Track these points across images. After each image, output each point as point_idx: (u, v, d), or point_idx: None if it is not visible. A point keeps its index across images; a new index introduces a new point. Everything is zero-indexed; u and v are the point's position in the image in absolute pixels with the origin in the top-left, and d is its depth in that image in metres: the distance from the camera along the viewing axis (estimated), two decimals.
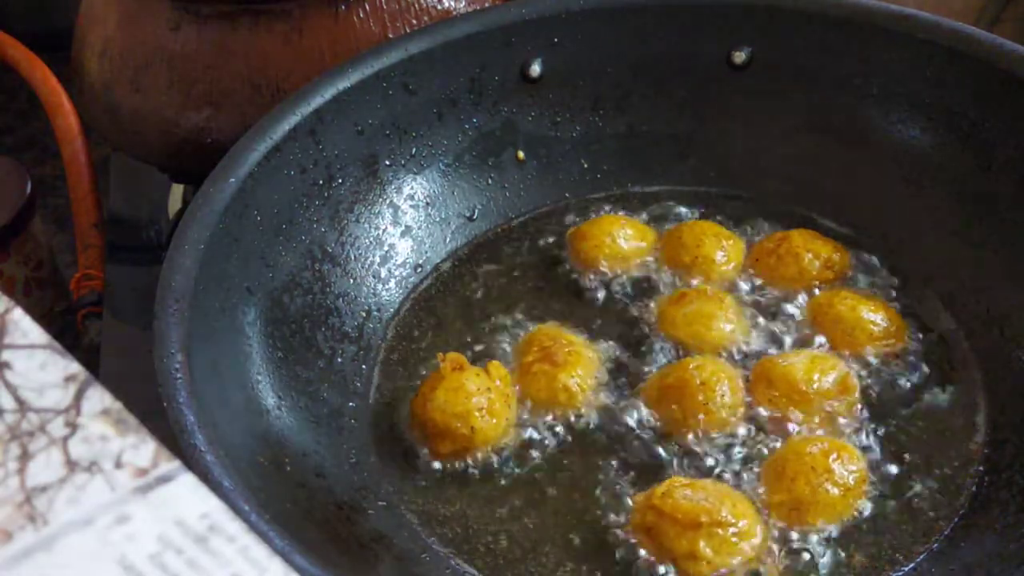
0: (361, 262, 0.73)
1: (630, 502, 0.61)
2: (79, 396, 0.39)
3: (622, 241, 0.74)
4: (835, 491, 0.59)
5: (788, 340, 0.68)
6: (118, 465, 0.37)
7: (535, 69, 0.78)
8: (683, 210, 0.78)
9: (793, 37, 0.76)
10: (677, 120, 0.80)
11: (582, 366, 0.66)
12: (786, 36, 0.76)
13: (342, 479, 0.63)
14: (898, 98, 0.74)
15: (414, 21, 0.77)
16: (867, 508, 0.60)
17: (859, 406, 0.65)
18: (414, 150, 0.76)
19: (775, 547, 0.58)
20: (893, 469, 0.62)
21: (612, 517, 0.61)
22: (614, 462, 0.63)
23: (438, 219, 0.77)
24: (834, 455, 0.60)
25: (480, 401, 0.63)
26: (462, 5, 0.79)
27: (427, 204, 0.77)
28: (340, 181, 0.73)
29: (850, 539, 0.59)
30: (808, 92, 0.77)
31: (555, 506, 0.62)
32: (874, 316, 0.68)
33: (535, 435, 0.65)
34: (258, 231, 0.67)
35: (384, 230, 0.75)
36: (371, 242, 0.74)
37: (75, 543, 0.34)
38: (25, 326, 0.41)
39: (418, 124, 0.76)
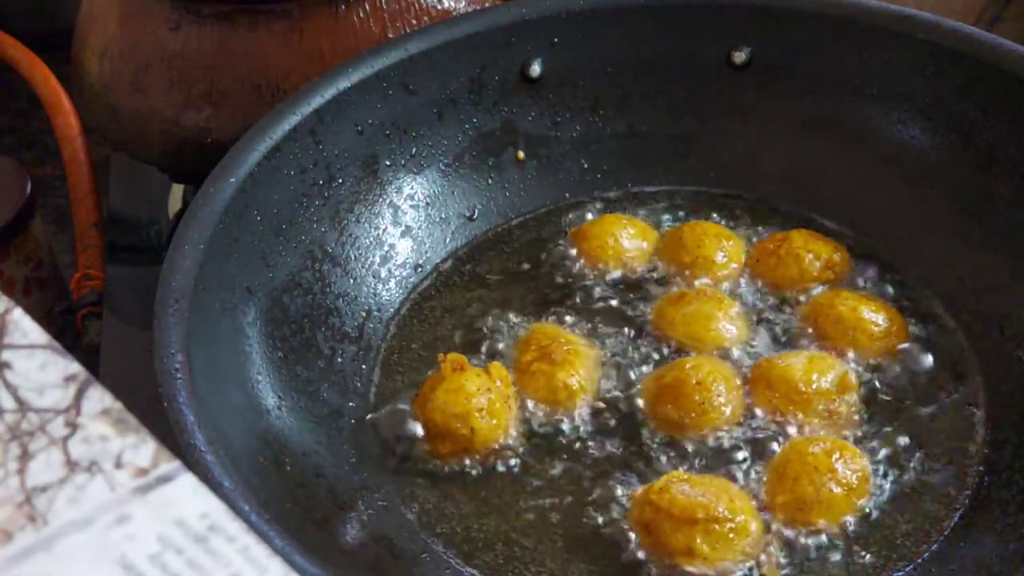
0: (361, 262, 0.73)
1: (629, 500, 0.61)
2: (79, 396, 0.39)
3: (625, 241, 0.74)
4: (838, 490, 0.59)
5: (788, 340, 0.68)
6: (118, 465, 0.37)
7: (535, 69, 0.78)
8: (683, 210, 0.78)
9: (793, 37, 0.76)
10: (677, 120, 0.80)
11: (581, 365, 0.66)
12: (786, 36, 0.76)
13: (342, 479, 0.63)
14: (898, 98, 0.74)
15: (414, 21, 0.77)
16: (868, 507, 0.60)
17: (859, 406, 0.65)
18: (414, 150, 0.76)
19: (776, 547, 0.58)
20: (893, 469, 0.62)
21: (611, 515, 0.61)
22: (613, 461, 0.63)
23: (438, 219, 0.77)
24: (837, 454, 0.60)
25: (480, 402, 0.63)
26: (462, 5, 0.79)
27: (427, 204, 0.77)
28: (340, 181, 0.73)
29: (851, 538, 0.59)
30: (808, 92, 0.77)
31: (554, 505, 0.62)
32: (874, 316, 0.68)
33: (535, 435, 0.65)
34: (258, 231, 0.67)
35: (384, 230, 0.75)
36: (371, 242, 0.74)
37: (75, 543, 0.34)
38: (25, 326, 0.41)
39: (418, 124, 0.76)
